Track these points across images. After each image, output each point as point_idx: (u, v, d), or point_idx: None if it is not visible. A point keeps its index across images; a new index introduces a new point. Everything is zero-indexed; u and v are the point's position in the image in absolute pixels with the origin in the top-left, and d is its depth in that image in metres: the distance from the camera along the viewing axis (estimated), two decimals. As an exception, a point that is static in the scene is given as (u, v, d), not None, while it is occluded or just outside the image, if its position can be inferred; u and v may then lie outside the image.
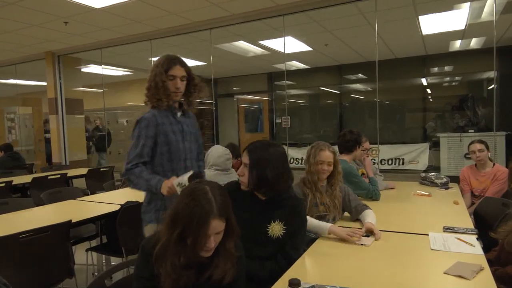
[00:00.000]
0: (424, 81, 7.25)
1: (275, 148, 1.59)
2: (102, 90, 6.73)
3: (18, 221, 2.41)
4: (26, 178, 4.37)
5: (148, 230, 1.87)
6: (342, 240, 1.75)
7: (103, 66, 6.57)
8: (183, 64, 1.91)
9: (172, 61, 1.88)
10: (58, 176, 4.25)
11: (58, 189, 3.23)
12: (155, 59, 6.19)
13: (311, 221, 1.84)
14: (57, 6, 3.96)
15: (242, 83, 8.93)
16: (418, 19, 4.56)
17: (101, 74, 6.75)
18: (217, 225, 1.13)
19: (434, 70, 7.20)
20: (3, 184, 3.70)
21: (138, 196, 2.93)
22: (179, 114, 1.96)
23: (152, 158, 1.85)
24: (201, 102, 8.67)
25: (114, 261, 2.95)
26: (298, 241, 1.61)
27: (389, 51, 6.18)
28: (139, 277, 1.22)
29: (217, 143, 6.17)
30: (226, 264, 1.19)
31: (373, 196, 2.61)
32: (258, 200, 1.60)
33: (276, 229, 1.56)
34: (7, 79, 7.52)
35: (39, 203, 2.92)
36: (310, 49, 5.99)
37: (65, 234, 2.15)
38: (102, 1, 3.87)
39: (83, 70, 6.88)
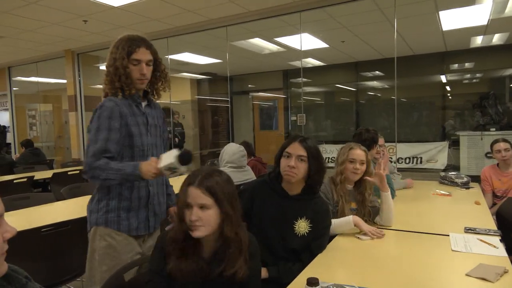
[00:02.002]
0: (443, 78, 7.08)
1: (314, 140, 1.62)
2: (119, 88, 6.82)
3: (39, 215, 2.48)
4: (47, 174, 4.48)
5: (93, 234, 1.58)
6: (359, 239, 1.73)
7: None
8: (149, 46, 1.63)
9: (136, 42, 1.58)
10: (78, 171, 4.34)
11: (77, 184, 3.30)
12: (171, 56, 6.26)
13: (333, 222, 1.77)
14: (77, 5, 4.02)
15: (257, 80, 8.92)
16: (438, 14, 4.44)
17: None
18: (196, 195, 1.15)
19: (454, 67, 7.03)
20: (24, 179, 3.80)
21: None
22: (143, 104, 1.69)
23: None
24: (217, 100, 8.71)
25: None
26: (324, 241, 1.62)
27: (407, 48, 6.06)
28: (152, 271, 1.25)
29: (232, 141, 6.19)
30: (236, 257, 1.17)
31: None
32: (287, 196, 1.60)
33: (302, 226, 1.56)
34: (28, 77, 7.71)
35: (60, 198, 2.98)
36: (326, 46, 5.92)
37: (85, 228, 2.19)
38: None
39: (101, 67, 7.00)
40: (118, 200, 1.57)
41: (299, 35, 5.00)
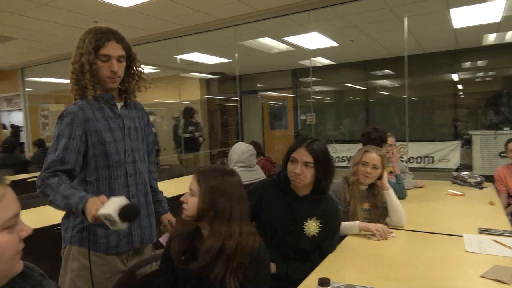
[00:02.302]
0: (455, 77, 6.98)
1: (323, 142, 1.58)
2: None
3: (52, 213, 2.51)
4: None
5: (67, 254, 1.41)
6: (370, 239, 1.72)
7: (131, 64, 6.73)
8: (120, 40, 1.43)
9: (104, 35, 1.39)
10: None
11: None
12: (181, 56, 6.29)
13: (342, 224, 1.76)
14: (88, 6, 4.06)
15: (266, 80, 8.91)
16: (449, 12, 4.38)
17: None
18: (191, 181, 1.23)
19: (466, 65, 6.91)
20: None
21: (166, 191, 2.97)
22: (119, 105, 1.49)
23: (85, 166, 1.40)
24: (226, 99, 8.72)
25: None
26: (335, 241, 1.61)
27: (418, 46, 5.98)
28: (161, 267, 1.30)
29: (242, 140, 6.20)
30: (214, 255, 1.14)
31: (399, 195, 2.53)
32: (296, 197, 1.58)
33: (312, 226, 1.55)
34: (40, 78, 7.83)
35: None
36: (335, 44, 5.88)
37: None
38: (130, 0, 3.94)
39: (111, 68, 7.07)
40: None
41: (308, 34, 4.97)
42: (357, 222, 1.78)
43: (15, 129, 9.11)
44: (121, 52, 1.43)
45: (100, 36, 1.38)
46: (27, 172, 4.80)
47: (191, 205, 1.20)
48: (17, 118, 9.10)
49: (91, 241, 1.38)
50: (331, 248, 1.58)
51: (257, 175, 2.72)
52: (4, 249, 0.64)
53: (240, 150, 2.69)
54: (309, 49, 5.21)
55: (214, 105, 8.90)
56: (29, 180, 3.73)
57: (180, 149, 7.02)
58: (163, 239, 1.63)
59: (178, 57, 6.01)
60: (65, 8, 4.12)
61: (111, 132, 1.43)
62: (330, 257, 1.53)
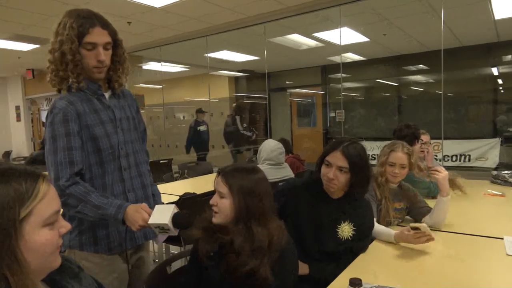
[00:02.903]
0: (495, 71, 6.61)
1: (361, 145, 1.50)
2: (161, 86, 7.06)
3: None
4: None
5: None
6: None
7: (162, 63, 6.89)
8: (106, 25, 1.29)
9: (88, 20, 1.24)
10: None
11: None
12: (210, 54, 6.37)
13: (376, 226, 1.70)
14: (122, 7, 4.19)
15: (295, 76, 8.84)
16: (490, 2, 4.15)
17: (160, 71, 7.08)
18: (218, 183, 1.22)
19: (507, 58, 6.54)
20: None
21: (196, 187, 3.05)
22: (107, 95, 1.38)
23: None
24: (254, 97, 8.74)
25: (173, 249, 3.09)
26: (368, 242, 1.57)
27: (455, 39, 5.72)
28: (189, 266, 1.31)
29: (270, 138, 6.20)
30: (245, 252, 1.15)
31: (434, 193, 2.43)
32: (329, 200, 1.54)
33: (346, 229, 1.51)
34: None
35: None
36: (367, 40, 5.74)
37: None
38: (161, 0, 4.03)
39: (144, 67, 7.27)
40: (90, 221, 1.30)
41: (339, 29, 4.88)
42: (392, 232, 1.66)
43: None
44: (107, 39, 1.29)
45: (84, 21, 1.24)
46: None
47: (222, 207, 1.19)
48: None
49: (92, 243, 1.33)
50: (363, 249, 1.55)
51: (285, 173, 2.70)
52: (45, 245, 0.66)
53: (269, 148, 2.68)
54: (339, 44, 5.11)
55: (242, 102, 8.94)
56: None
57: (231, 145, 7.15)
58: (159, 239, 1.59)
59: (208, 55, 6.08)
60: (99, 9, 4.27)
61: (102, 126, 1.32)
62: (361, 257, 1.50)
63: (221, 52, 6.49)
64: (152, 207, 1.41)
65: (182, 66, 7.75)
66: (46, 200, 0.66)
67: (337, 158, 1.45)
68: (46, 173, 0.70)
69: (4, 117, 9.61)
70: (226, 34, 5.32)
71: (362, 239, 1.54)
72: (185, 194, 2.74)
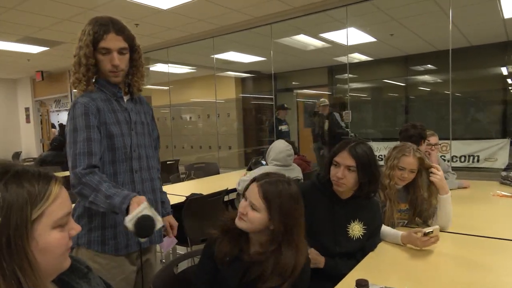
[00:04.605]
0: (504, 70, 6.53)
1: (368, 145, 1.51)
2: (168, 88, 7.10)
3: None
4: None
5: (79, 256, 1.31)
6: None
7: (169, 64, 6.93)
8: (120, 30, 1.34)
9: (104, 27, 1.31)
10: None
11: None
12: (217, 55, 6.39)
13: (382, 228, 1.69)
14: (130, 9, 4.23)
15: (301, 77, 8.83)
16: (499, 1, 4.11)
17: (168, 72, 7.12)
18: (253, 193, 1.16)
19: (517, 57, 6.45)
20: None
21: (203, 188, 3.06)
22: (125, 98, 1.44)
23: None
24: (260, 97, 8.75)
25: (180, 249, 3.11)
26: (378, 240, 1.58)
27: (463, 39, 5.67)
28: (200, 270, 1.28)
29: (276, 139, 6.20)
30: (267, 273, 1.13)
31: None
32: (338, 200, 1.55)
33: (356, 229, 1.52)
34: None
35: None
36: (374, 40, 5.71)
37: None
38: (169, 2, 4.06)
39: (151, 69, 7.32)
40: (102, 216, 1.34)
41: (345, 30, 4.86)
42: (399, 234, 1.65)
43: (63, 128, 9.69)
44: (122, 44, 1.34)
45: (99, 28, 1.31)
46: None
47: (253, 219, 1.15)
48: (65, 117, 9.67)
49: (100, 242, 1.35)
50: (372, 247, 1.56)
51: (294, 173, 2.70)
52: (56, 246, 0.67)
53: (278, 149, 2.68)
54: (346, 45, 5.09)
55: (248, 104, 8.96)
56: (71, 184, 3.95)
57: (317, 144, 6.56)
58: (164, 245, 1.58)
59: (214, 56, 6.10)
60: (108, 13, 4.31)
61: (118, 125, 1.38)
62: (369, 257, 1.50)
63: (228, 53, 6.51)
64: (159, 212, 1.44)
65: (189, 67, 7.79)
66: (58, 202, 0.67)
67: (345, 158, 1.47)
68: (59, 174, 0.70)
69: (14, 118, 9.74)
70: (232, 35, 5.34)
71: (372, 238, 1.56)
72: (192, 194, 2.75)
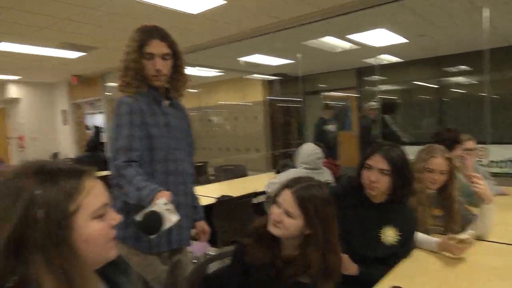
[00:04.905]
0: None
1: (401, 149, 1.49)
2: (196, 91, 7.22)
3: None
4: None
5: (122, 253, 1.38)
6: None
7: (197, 67, 7.07)
8: (165, 37, 1.44)
9: (149, 33, 1.42)
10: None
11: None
12: (244, 58, 6.45)
13: (417, 234, 1.64)
14: (161, 16, 4.35)
15: (329, 79, 8.75)
16: (541, -2, 3.91)
17: (195, 75, 7.26)
18: (286, 199, 1.15)
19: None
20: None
21: (231, 190, 3.10)
22: (166, 103, 1.52)
23: None
24: (288, 100, 8.74)
25: (209, 250, 3.16)
26: (411, 246, 1.54)
27: (501, 38, 5.43)
28: (232, 273, 1.29)
29: (304, 142, 6.17)
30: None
31: (475, 204, 2.30)
32: (370, 204, 1.52)
33: (389, 235, 1.49)
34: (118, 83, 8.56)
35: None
36: (404, 41, 5.58)
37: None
38: (199, 7, 4.14)
39: (180, 72, 7.48)
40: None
41: (374, 31, 4.78)
42: (435, 240, 1.60)
43: (97, 130, 10.08)
44: (165, 50, 1.43)
45: (144, 35, 1.42)
46: (107, 169, 5.28)
47: (288, 226, 1.15)
48: (99, 120, 10.06)
49: (134, 238, 1.39)
50: (406, 253, 1.52)
51: (323, 177, 2.68)
52: (97, 236, 0.70)
53: (307, 152, 2.67)
54: (375, 46, 5.01)
55: (275, 106, 8.97)
56: (110, 176, 4.10)
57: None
58: (195, 248, 1.63)
59: (241, 59, 6.15)
60: (140, 18, 4.47)
61: (158, 127, 1.45)
62: (403, 264, 1.47)
63: (255, 56, 6.55)
64: (189, 216, 1.53)
65: (216, 70, 7.91)
66: (93, 194, 0.70)
67: (378, 161, 1.44)
68: (92, 168, 0.74)
69: (52, 120, 10.22)
70: (259, 38, 5.37)
71: (406, 244, 1.52)
72: (223, 196, 2.80)
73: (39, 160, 0.70)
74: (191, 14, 4.33)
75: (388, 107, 5.54)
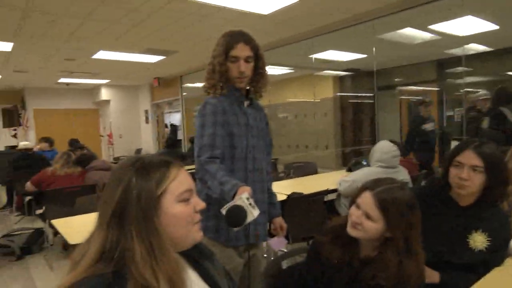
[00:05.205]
0: None
1: (495, 145, 1.37)
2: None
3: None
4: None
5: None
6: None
7: (269, 66, 7.17)
8: (248, 41, 1.51)
9: (234, 37, 1.50)
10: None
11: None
12: (315, 55, 6.38)
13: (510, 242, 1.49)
14: (235, 18, 4.50)
15: (405, 73, 8.24)
16: None
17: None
18: (367, 202, 1.13)
19: None
20: (193, 170, 4.49)
21: (303, 187, 3.11)
22: (246, 104, 1.60)
23: None
24: (359, 96, 8.43)
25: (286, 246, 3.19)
26: (504, 255, 1.41)
27: None
28: (307, 271, 1.29)
29: (377, 139, 5.91)
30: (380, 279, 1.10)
31: None
32: (457, 207, 1.42)
33: (478, 240, 1.37)
34: (194, 83, 9.08)
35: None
36: (495, 27, 5.02)
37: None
38: (270, 7, 4.21)
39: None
40: (219, 207, 1.40)
41: (460, 18, 4.38)
42: None
43: (174, 128, 10.81)
44: (249, 53, 1.51)
45: (230, 39, 1.50)
46: (184, 164, 5.64)
47: (368, 230, 1.13)
48: (176, 118, 10.77)
49: (214, 231, 1.48)
50: (497, 261, 1.38)
51: (399, 176, 2.56)
52: (180, 217, 0.79)
53: (383, 149, 2.57)
54: (460, 36, 4.59)
55: (346, 103, 8.72)
56: (195, 171, 4.37)
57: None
58: (274, 244, 1.65)
59: (313, 56, 6.10)
60: (214, 22, 4.68)
61: (238, 126, 1.53)
62: (495, 271, 1.34)
63: (327, 52, 6.44)
64: (265, 212, 1.59)
65: (287, 68, 7.94)
66: (178, 180, 0.80)
67: (470, 157, 1.32)
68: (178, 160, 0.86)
69: (136, 120, 11.23)
70: (332, 34, 5.27)
71: (497, 250, 1.38)
72: (293, 193, 2.82)
73: (137, 155, 0.84)
74: (262, 14, 4.41)
75: (503, 96, 4.41)
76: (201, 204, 0.85)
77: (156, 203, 0.76)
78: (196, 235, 0.84)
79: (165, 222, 0.76)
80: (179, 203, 0.79)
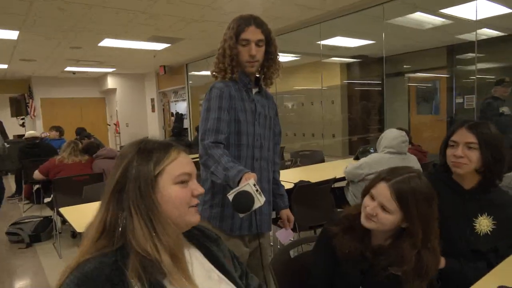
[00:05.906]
0: None
1: (491, 124, 1.34)
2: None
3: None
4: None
5: None
6: None
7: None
8: (259, 24, 1.47)
9: (245, 21, 1.45)
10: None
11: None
12: (324, 42, 6.27)
13: None
14: (243, 4, 4.42)
15: (414, 59, 8.08)
16: None
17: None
18: (382, 193, 1.09)
19: None
20: (197, 159, 4.49)
21: (309, 175, 3.08)
22: (254, 91, 1.56)
23: None
24: (367, 83, 8.31)
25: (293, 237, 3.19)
26: None
27: None
28: (318, 262, 1.27)
29: (385, 127, 5.83)
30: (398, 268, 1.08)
31: None
32: (462, 190, 1.39)
33: (484, 223, 1.35)
34: (200, 71, 9.01)
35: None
36: (508, 10, 4.87)
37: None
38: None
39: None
40: (223, 195, 1.44)
41: (473, 2, 4.25)
42: None
43: (179, 116, 10.79)
44: (260, 36, 1.47)
45: (241, 22, 1.46)
46: (190, 153, 5.64)
47: (384, 222, 1.09)
48: (182, 107, 10.75)
49: (219, 218, 1.46)
50: (509, 248, 1.35)
51: (409, 164, 2.51)
52: (175, 198, 0.81)
53: (392, 136, 2.52)
54: (473, 20, 4.46)
55: (353, 90, 8.61)
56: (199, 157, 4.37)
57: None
58: (281, 236, 1.63)
59: (321, 43, 5.99)
60: (224, 6, 4.59)
61: (245, 113, 1.50)
62: (507, 261, 1.31)
63: (335, 39, 6.32)
64: (270, 202, 1.57)
65: (294, 55, 7.82)
66: (176, 163, 0.82)
67: (464, 135, 1.31)
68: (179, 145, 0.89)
69: (142, 108, 11.24)
70: (340, 19, 5.15)
71: (506, 236, 1.34)
72: (300, 182, 2.80)
73: (141, 138, 0.86)
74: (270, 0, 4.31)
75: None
76: (200, 189, 0.85)
77: (153, 182, 0.79)
78: (191, 217, 0.84)
79: (161, 201, 0.79)
80: (176, 184, 0.81)
